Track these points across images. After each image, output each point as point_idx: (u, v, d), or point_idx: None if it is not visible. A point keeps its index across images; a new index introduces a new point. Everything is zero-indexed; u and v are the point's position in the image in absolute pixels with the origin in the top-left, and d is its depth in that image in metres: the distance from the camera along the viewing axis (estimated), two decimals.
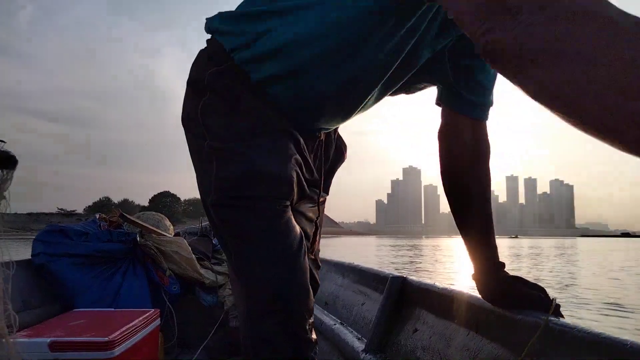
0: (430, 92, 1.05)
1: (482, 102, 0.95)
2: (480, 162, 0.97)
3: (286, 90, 0.81)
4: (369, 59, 0.79)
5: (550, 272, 14.38)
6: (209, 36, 0.88)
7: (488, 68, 0.94)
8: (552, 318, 0.79)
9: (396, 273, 1.47)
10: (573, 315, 6.90)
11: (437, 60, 0.91)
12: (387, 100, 0.99)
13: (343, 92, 0.84)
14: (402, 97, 1.06)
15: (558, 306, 0.84)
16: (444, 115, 0.99)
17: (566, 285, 10.78)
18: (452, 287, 1.16)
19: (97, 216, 2.26)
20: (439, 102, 1.00)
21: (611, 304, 8.14)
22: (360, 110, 0.91)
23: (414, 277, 1.40)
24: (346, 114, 0.91)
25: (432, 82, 0.98)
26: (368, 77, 0.83)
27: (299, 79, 0.80)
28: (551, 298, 0.86)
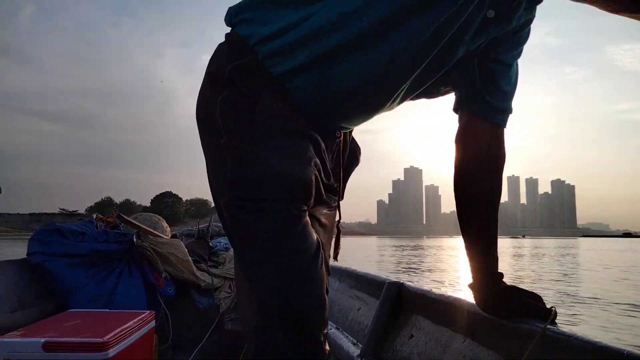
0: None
1: (503, 108, 0.94)
2: (496, 170, 0.95)
3: (308, 82, 0.78)
4: (403, 46, 0.75)
5: (560, 271, 14.28)
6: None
7: (510, 74, 0.93)
8: (550, 326, 0.79)
9: (393, 278, 1.47)
10: (598, 316, 6.90)
11: (469, 61, 0.89)
12: None
13: (371, 84, 0.79)
14: None
15: (555, 315, 0.84)
16: (462, 120, 0.97)
17: (576, 286, 10.68)
18: (449, 294, 1.15)
19: (94, 216, 2.26)
20: (457, 107, 0.98)
21: (631, 304, 8.12)
22: (387, 107, 0.87)
23: (410, 283, 1.39)
24: (371, 111, 0.86)
25: (458, 85, 0.96)
26: (399, 68, 0.79)
27: (326, 68, 0.77)
28: (550, 307, 0.86)
